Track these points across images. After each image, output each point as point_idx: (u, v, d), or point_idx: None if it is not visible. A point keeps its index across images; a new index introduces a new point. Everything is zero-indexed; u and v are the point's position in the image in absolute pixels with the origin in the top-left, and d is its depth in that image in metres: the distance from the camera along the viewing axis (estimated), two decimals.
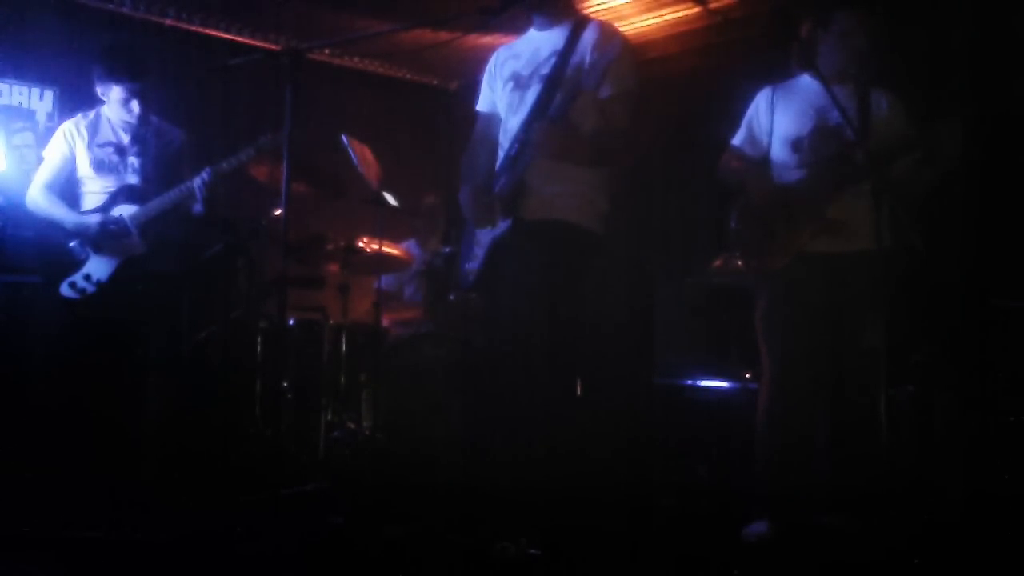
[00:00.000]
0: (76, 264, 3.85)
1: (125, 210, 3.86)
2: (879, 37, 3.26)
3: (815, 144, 3.25)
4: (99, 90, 3.93)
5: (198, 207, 3.89)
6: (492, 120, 3.21)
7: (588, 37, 2.97)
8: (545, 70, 3.00)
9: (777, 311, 3.31)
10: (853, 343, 3.20)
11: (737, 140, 3.46)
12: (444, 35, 4.34)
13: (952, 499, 3.47)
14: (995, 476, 3.46)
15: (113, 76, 3.86)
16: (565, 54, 2.97)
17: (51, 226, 3.92)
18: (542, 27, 3.10)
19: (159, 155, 3.98)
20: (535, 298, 2.96)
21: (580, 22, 3.04)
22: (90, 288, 3.81)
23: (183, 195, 3.84)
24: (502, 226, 2.99)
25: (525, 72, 3.07)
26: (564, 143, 2.92)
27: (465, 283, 3.13)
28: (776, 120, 3.35)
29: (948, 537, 3.10)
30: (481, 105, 3.27)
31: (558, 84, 2.95)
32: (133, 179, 3.92)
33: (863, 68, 3.25)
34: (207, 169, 3.83)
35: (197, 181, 3.81)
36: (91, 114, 4.00)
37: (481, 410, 3.97)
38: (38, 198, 3.94)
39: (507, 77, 3.13)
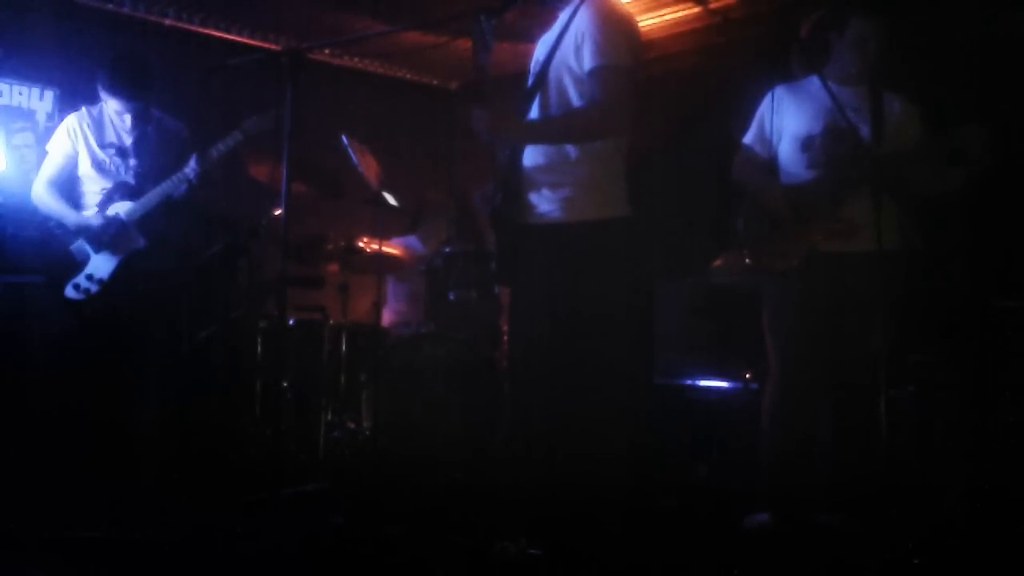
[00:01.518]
0: (77, 265, 3.84)
1: (120, 207, 3.86)
2: (892, 41, 3.26)
3: (826, 144, 3.25)
4: (101, 94, 3.93)
5: (183, 188, 3.86)
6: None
7: (581, 15, 2.92)
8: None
9: (786, 311, 3.31)
10: (859, 343, 3.19)
11: (748, 138, 3.46)
12: (444, 35, 4.33)
13: (952, 499, 3.46)
14: (995, 476, 3.46)
15: (113, 90, 3.86)
16: (561, 36, 2.95)
17: (53, 225, 3.91)
18: (562, 8, 3.06)
19: (160, 152, 3.97)
20: (535, 301, 2.95)
21: (582, 2, 2.97)
22: (93, 288, 3.80)
23: (175, 185, 3.84)
24: (502, 226, 2.99)
25: (541, 57, 3.04)
26: (501, 127, 2.92)
27: (497, 279, 3.11)
28: (787, 119, 3.35)
29: (948, 537, 3.10)
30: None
31: (546, 67, 2.94)
32: (130, 178, 3.92)
33: (876, 72, 3.25)
34: (194, 156, 3.82)
35: (188, 170, 3.81)
36: (95, 110, 3.99)
37: (483, 410, 3.97)
38: (43, 194, 3.93)
39: (533, 63, 3.11)
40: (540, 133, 2.98)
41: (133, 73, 3.88)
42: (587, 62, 2.86)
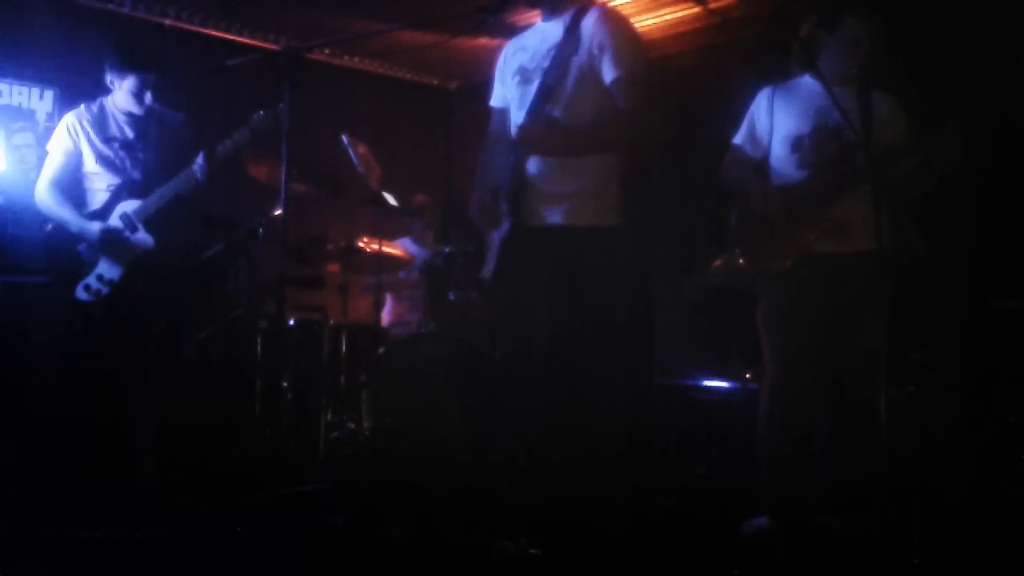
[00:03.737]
0: (87, 266, 3.81)
1: (128, 206, 3.83)
2: (881, 41, 3.26)
3: (816, 144, 3.26)
4: (109, 78, 3.87)
5: (190, 186, 3.85)
6: (504, 116, 3.16)
7: (588, 24, 2.93)
8: (546, 63, 2.97)
9: (779, 311, 3.31)
10: (854, 343, 3.20)
11: (738, 139, 3.47)
12: (444, 35, 4.33)
13: (952, 499, 3.46)
14: (995, 476, 3.46)
15: (130, 65, 3.82)
16: (564, 44, 2.94)
17: (54, 227, 3.90)
18: (547, 17, 3.06)
19: (163, 145, 3.93)
20: (540, 301, 2.95)
21: (581, 9, 2.99)
22: (104, 289, 3.77)
23: (183, 183, 3.82)
24: (505, 228, 2.99)
25: (530, 65, 3.03)
26: (549, 139, 2.91)
27: (483, 286, 3.14)
28: (777, 119, 3.35)
29: (948, 537, 3.10)
30: (494, 100, 3.22)
31: (558, 76, 2.93)
32: (136, 174, 3.89)
33: (865, 71, 3.25)
34: (201, 153, 3.80)
35: (195, 168, 3.79)
36: (94, 107, 3.92)
37: (483, 410, 3.97)
38: (45, 196, 3.87)
39: (514, 71, 3.09)
40: (577, 145, 2.97)
41: (143, 45, 3.87)
42: (610, 72, 2.90)
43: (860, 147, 3.07)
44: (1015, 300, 3.68)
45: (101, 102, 3.93)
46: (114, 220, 3.80)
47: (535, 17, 3.17)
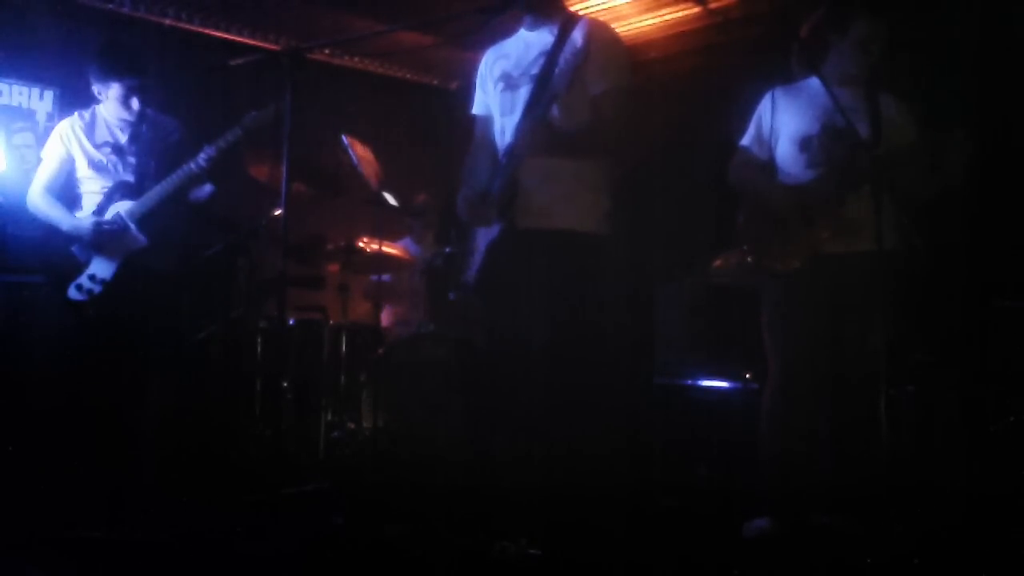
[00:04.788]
0: (80, 266, 3.82)
1: (121, 206, 3.84)
2: (887, 42, 3.27)
3: (825, 144, 3.25)
4: (96, 89, 3.89)
5: (198, 193, 3.86)
6: (488, 123, 3.21)
7: (577, 34, 2.96)
8: (534, 70, 3.00)
9: (786, 311, 3.30)
10: (856, 343, 3.20)
11: (746, 140, 3.46)
12: (443, 35, 4.34)
13: (952, 499, 3.46)
14: (995, 476, 3.46)
15: (112, 74, 3.83)
16: (554, 53, 2.96)
17: (52, 228, 3.90)
18: (532, 27, 3.09)
19: (156, 149, 3.94)
20: (534, 303, 2.96)
21: (569, 20, 3.04)
22: (96, 288, 3.78)
23: (177, 182, 3.82)
24: (495, 230, 2.99)
25: (515, 72, 3.07)
26: (547, 141, 2.92)
27: (466, 289, 3.15)
28: (785, 120, 3.35)
29: (948, 537, 3.10)
30: (476, 108, 3.26)
31: (547, 83, 2.94)
32: (128, 176, 3.90)
33: (875, 73, 3.25)
34: (204, 149, 3.81)
35: (192, 165, 3.79)
36: (87, 114, 3.96)
37: (482, 410, 3.97)
38: (37, 200, 3.91)
39: (497, 78, 3.13)
40: (572, 148, 2.99)
41: (125, 51, 3.87)
42: (596, 85, 2.95)
43: (868, 148, 3.07)
44: (1015, 300, 3.68)
45: (94, 109, 3.97)
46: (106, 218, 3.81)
47: (515, 24, 3.19)
